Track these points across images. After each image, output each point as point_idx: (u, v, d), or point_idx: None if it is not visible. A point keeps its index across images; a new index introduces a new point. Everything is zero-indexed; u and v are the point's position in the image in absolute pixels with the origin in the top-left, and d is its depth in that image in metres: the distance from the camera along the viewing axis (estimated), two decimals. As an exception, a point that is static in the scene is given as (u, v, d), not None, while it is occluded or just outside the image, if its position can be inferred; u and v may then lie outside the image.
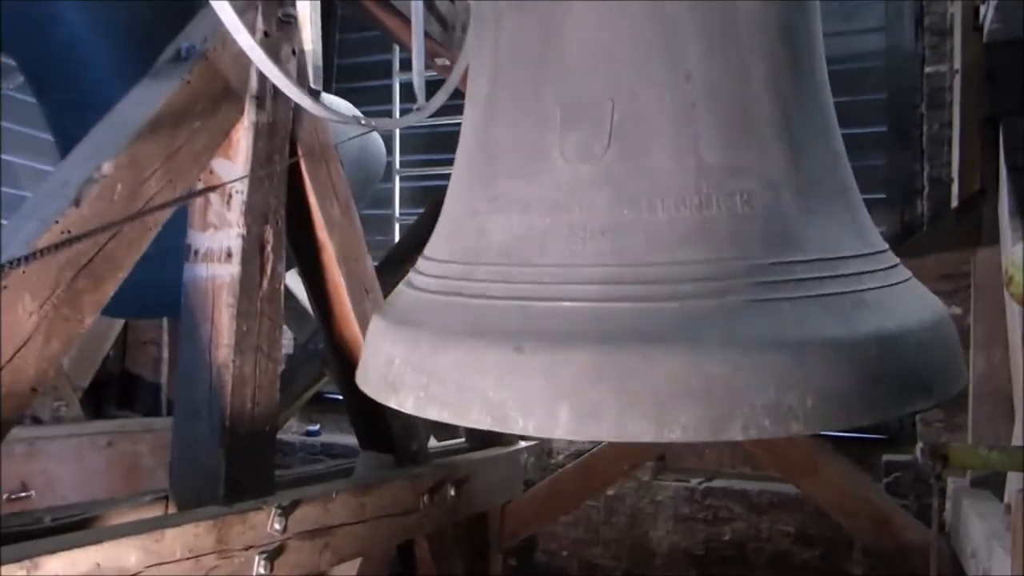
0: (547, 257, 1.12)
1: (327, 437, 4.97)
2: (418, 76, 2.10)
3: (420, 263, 1.31)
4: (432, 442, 2.88)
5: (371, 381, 1.23)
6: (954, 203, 3.14)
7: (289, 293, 2.68)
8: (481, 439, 3.05)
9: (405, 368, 1.14)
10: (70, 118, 2.36)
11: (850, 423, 1.03)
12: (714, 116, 1.13)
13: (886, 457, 3.90)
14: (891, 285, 1.16)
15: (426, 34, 2.61)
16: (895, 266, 1.23)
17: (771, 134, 1.15)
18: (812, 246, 1.11)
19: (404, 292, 1.30)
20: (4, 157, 4.54)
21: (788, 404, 0.97)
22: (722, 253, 1.07)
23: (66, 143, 2.39)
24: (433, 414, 1.10)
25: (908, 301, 1.17)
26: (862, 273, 1.13)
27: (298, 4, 1.77)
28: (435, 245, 1.31)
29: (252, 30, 1.79)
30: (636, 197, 1.10)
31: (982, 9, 2.82)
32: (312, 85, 1.82)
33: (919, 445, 3.67)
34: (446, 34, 2.77)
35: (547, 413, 1.00)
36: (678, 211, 1.09)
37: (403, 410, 1.15)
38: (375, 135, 3.65)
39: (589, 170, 1.13)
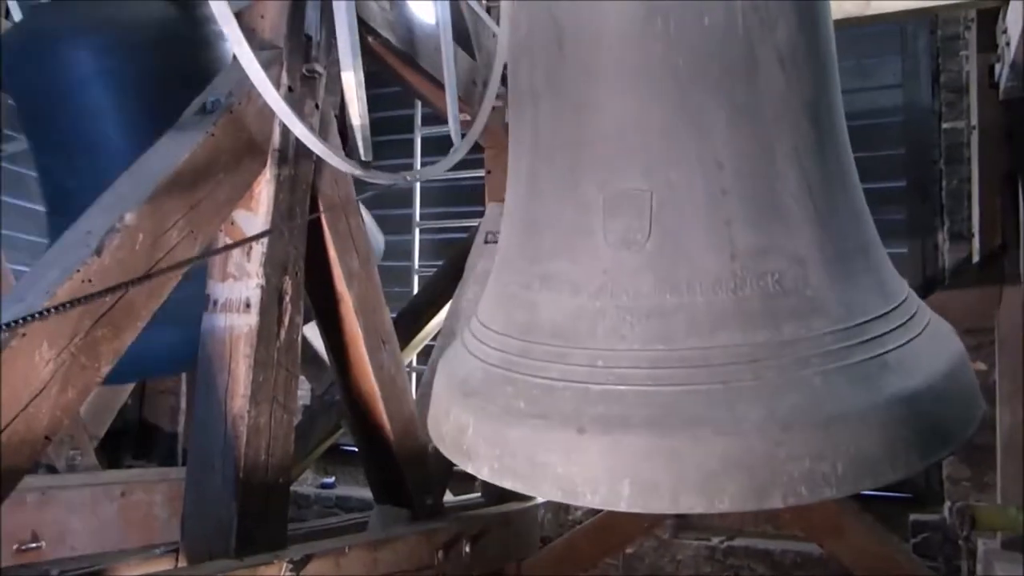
0: (598, 340, 1.22)
1: (342, 490, 4.92)
2: (453, 121, 2.15)
3: (477, 328, 1.42)
4: (448, 496, 2.84)
5: (447, 446, 1.36)
6: (975, 258, 3.11)
7: (307, 343, 2.69)
8: (498, 494, 3.01)
9: (478, 439, 1.27)
10: (59, 162, 2.31)
11: (876, 483, 1.12)
12: (744, 200, 1.21)
13: (913, 517, 3.80)
14: (912, 340, 1.24)
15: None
16: (915, 314, 1.31)
17: (796, 210, 1.23)
18: (839, 314, 1.19)
19: (464, 358, 1.41)
20: (34, 206, 4.63)
21: (822, 472, 1.08)
22: (757, 333, 1.16)
23: (51, 187, 2.36)
24: (508, 484, 1.23)
25: (929, 351, 1.25)
26: (885, 334, 1.20)
27: (343, 77, 1.83)
28: (490, 314, 1.42)
29: (277, 85, 1.83)
30: (677, 282, 1.19)
31: (997, 67, 2.84)
32: (363, 157, 1.87)
33: (947, 504, 3.58)
34: (466, 89, 2.82)
35: (610, 489, 1.13)
36: (716, 295, 1.18)
37: (480, 476, 1.29)
38: (370, 220, 3.66)
39: (632, 256, 1.22)
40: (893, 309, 1.26)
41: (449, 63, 2.20)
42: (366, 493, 2.68)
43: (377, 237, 3.75)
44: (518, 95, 1.44)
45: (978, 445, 2.41)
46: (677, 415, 1.13)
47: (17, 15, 3.06)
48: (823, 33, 1.35)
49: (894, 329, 1.22)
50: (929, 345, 1.26)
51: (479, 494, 3.09)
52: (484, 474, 1.26)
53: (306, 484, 4.90)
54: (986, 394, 1.34)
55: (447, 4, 2.44)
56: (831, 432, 1.09)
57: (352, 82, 1.84)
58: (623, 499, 1.12)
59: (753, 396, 1.12)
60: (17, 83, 2.39)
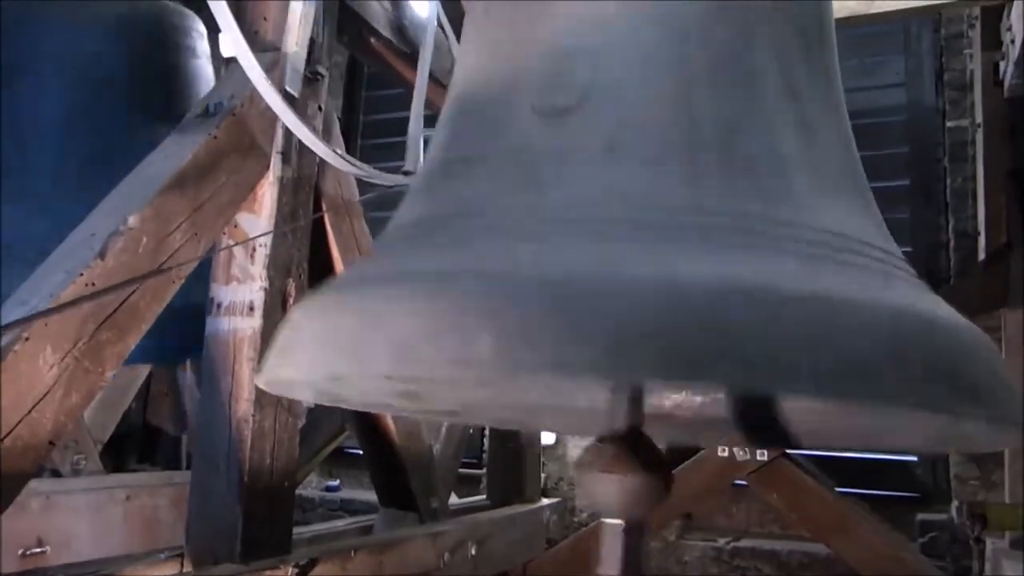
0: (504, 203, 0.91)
1: (347, 493, 4.92)
2: (412, 140, 2.14)
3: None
4: (453, 499, 2.83)
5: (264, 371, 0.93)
6: (981, 256, 3.10)
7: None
8: (502, 497, 3.00)
9: (302, 327, 0.88)
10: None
11: (871, 397, 0.75)
12: (710, 72, 0.95)
13: (920, 516, 3.78)
14: (923, 292, 0.92)
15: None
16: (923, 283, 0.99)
17: (778, 105, 0.96)
18: (826, 220, 0.89)
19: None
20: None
21: (798, 361, 0.70)
22: (715, 205, 0.85)
23: None
24: (329, 368, 0.87)
25: (947, 306, 0.90)
26: (890, 258, 0.92)
27: (291, 6, 1.78)
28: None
29: (279, 88, 1.82)
30: (617, 147, 0.90)
31: (1001, 65, 2.83)
32: (287, 87, 1.82)
33: (954, 503, 3.56)
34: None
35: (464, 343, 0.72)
36: (664, 165, 0.89)
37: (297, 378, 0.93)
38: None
39: (566, 121, 0.94)
40: (898, 255, 0.96)
41: (424, 65, 2.17)
42: (371, 496, 2.68)
43: None
44: (468, 18, 1.19)
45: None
46: (595, 264, 0.75)
47: None
48: None
49: (900, 265, 0.93)
50: (947, 305, 0.90)
51: (484, 496, 3.08)
52: (304, 366, 0.89)
53: (310, 487, 4.89)
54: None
55: (436, 3, 2.44)
56: (816, 312, 0.71)
57: (299, 10, 1.81)
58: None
59: (700, 254, 0.77)
60: None
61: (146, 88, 2.46)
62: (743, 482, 3.14)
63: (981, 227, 3.09)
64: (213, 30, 1.94)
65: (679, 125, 0.92)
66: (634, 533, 1.04)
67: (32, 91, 2.30)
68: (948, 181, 4.05)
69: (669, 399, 1.30)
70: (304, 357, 0.86)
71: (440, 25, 2.37)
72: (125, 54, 2.41)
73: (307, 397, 1.07)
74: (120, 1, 2.48)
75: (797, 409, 1.17)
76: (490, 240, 0.85)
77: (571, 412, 1.32)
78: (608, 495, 1.02)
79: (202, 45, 2.69)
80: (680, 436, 1.52)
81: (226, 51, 1.75)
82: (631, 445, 1.02)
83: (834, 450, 2.86)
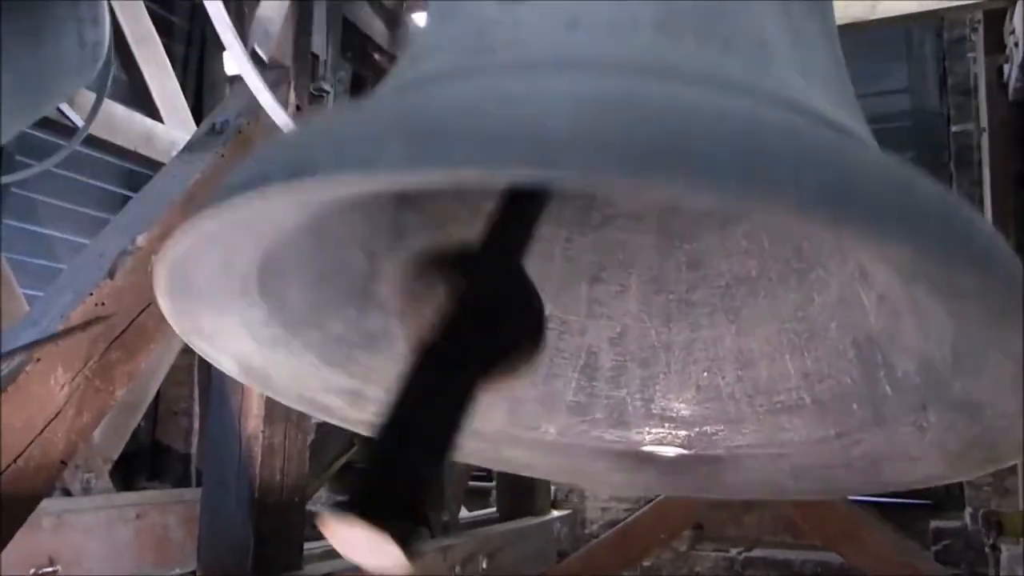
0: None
1: (356, 508, 4.91)
2: None
3: None
4: (463, 512, 2.83)
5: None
6: (990, 261, 3.09)
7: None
8: (513, 510, 2.99)
9: None
10: None
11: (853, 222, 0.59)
12: None
13: (934, 523, 3.76)
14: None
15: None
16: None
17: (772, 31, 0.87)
18: (800, 99, 0.80)
19: None
20: (43, 230, 4.66)
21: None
22: (683, 70, 0.78)
23: None
24: None
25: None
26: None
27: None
28: None
29: (285, 104, 1.83)
30: (579, 21, 0.81)
31: (1005, 68, 2.83)
32: (258, 50, 1.79)
33: (968, 510, 3.54)
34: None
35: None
36: (629, 36, 0.80)
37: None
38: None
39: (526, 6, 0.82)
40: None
41: None
42: (381, 511, 2.67)
43: None
44: None
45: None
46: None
47: None
48: None
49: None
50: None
51: (494, 509, 3.07)
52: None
53: (320, 503, 4.88)
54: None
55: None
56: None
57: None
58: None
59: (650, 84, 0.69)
60: None
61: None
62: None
63: (988, 231, 3.08)
64: (218, 48, 1.95)
65: (651, 6, 0.82)
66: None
67: None
68: (955, 186, 4.04)
69: (649, 434, 1.25)
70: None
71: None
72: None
73: (230, 368, 1.02)
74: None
75: (796, 447, 1.12)
76: (423, 89, 0.78)
77: (538, 445, 1.19)
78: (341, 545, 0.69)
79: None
80: (661, 482, 1.38)
81: (230, 69, 1.76)
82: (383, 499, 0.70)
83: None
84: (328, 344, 1.06)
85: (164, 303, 0.84)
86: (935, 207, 0.63)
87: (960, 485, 3.72)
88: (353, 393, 1.14)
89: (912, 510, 3.75)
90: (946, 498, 3.81)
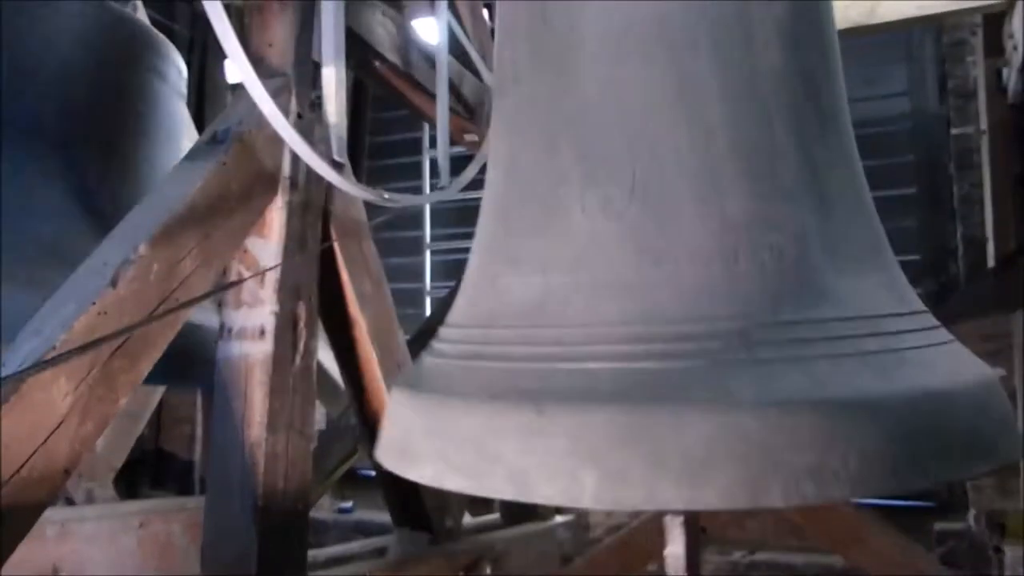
0: (570, 318, 1.06)
1: (360, 514, 4.91)
2: (443, 157, 2.15)
3: (440, 331, 1.26)
4: (467, 518, 2.82)
5: (387, 452, 1.16)
6: (991, 263, 3.09)
7: (322, 368, 2.69)
8: (517, 515, 2.99)
9: (421, 436, 1.08)
10: None
11: (899, 488, 0.93)
12: (739, 170, 1.08)
13: (938, 526, 3.75)
14: (934, 345, 1.09)
15: (454, 111, 2.67)
16: (936, 327, 1.16)
17: (799, 188, 1.09)
18: (848, 303, 1.03)
19: (423, 360, 1.25)
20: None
21: (830, 467, 0.88)
22: (752, 311, 0.99)
23: None
24: (451, 484, 1.03)
25: (953, 362, 1.10)
26: (903, 332, 1.05)
27: (323, 73, 1.79)
28: (455, 312, 1.26)
29: (286, 112, 1.84)
30: (661, 254, 1.04)
31: (1004, 71, 2.84)
32: (336, 157, 1.84)
33: (971, 512, 3.53)
34: (474, 111, 2.83)
35: (571, 480, 0.92)
36: (706, 268, 1.03)
37: (422, 482, 1.08)
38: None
39: (612, 227, 1.07)
40: (911, 314, 1.12)
41: (443, 87, 2.20)
42: (385, 517, 2.67)
43: None
44: (501, 82, 1.33)
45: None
46: (654, 391, 0.93)
47: None
48: (825, 8, 1.25)
49: (912, 331, 1.07)
50: (954, 356, 1.11)
51: (498, 515, 3.07)
52: (427, 477, 1.06)
53: (324, 509, 4.88)
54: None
55: (445, 25, 2.45)
56: (843, 420, 0.90)
57: (332, 79, 1.81)
58: (586, 492, 0.90)
59: (748, 374, 0.93)
60: None
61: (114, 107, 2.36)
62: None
63: (989, 233, 3.09)
64: (220, 56, 1.96)
65: (711, 223, 1.06)
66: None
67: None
68: (955, 188, 4.04)
69: None
70: (426, 470, 1.07)
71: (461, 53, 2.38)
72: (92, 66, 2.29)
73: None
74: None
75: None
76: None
77: None
78: None
79: (175, 77, 2.57)
80: None
81: (232, 77, 1.77)
82: None
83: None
84: None
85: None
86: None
87: (963, 487, 3.71)
88: None
89: (916, 512, 3.75)
90: (949, 500, 3.81)
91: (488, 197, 1.31)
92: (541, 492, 0.93)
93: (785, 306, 1.01)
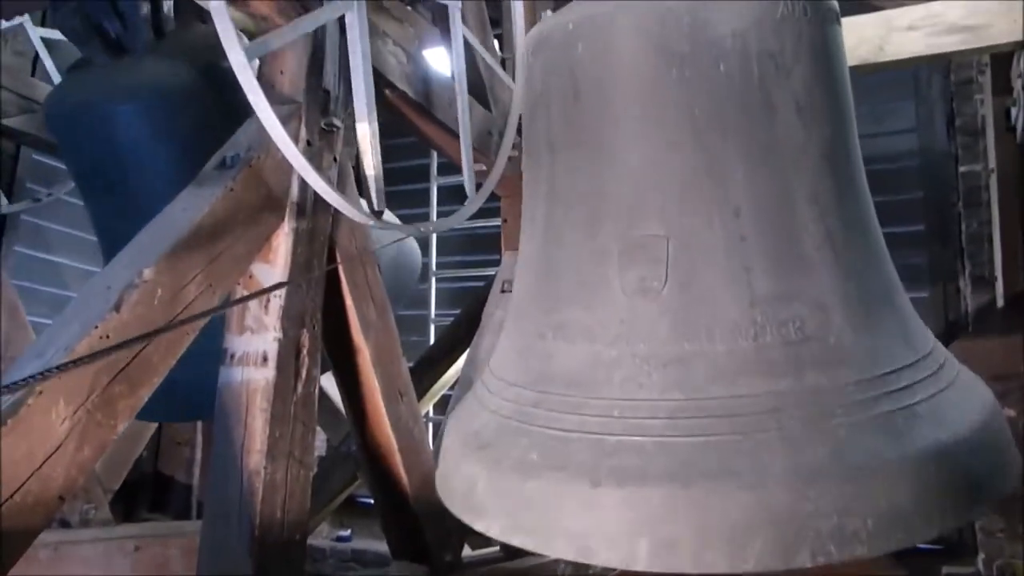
0: (615, 390, 1.17)
1: (358, 543, 4.85)
2: (468, 180, 2.17)
3: (490, 380, 1.38)
4: (466, 551, 2.78)
5: (456, 501, 1.30)
6: (999, 302, 3.07)
7: (322, 393, 2.67)
8: (517, 548, 2.94)
9: (489, 494, 1.22)
10: (118, 223, 2.43)
11: (910, 541, 1.07)
12: (763, 246, 1.18)
13: (946, 569, 3.68)
14: (941, 391, 1.19)
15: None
16: (943, 365, 1.25)
17: (818, 256, 1.19)
18: (864, 363, 1.15)
19: (477, 411, 1.37)
20: (53, 258, 4.68)
21: (851, 528, 1.02)
22: (779, 382, 1.11)
23: (111, 247, 2.46)
24: (519, 542, 1.17)
25: (959, 403, 1.19)
26: (913, 384, 1.16)
27: (358, 128, 1.84)
28: (503, 365, 1.38)
29: (296, 139, 1.84)
30: (696, 330, 1.15)
31: (1013, 111, 2.84)
32: (376, 207, 1.87)
33: (981, 556, 3.47)
34: (482, 140, 2.84)
35: (628, 546, 1.06)
36: (736, 342, 1.14)
37: (490, 535, 1.22)
38: (410, 239, 3.71)
39: (648, 304, 1.18)
40: (920, 359, 1.22)
41: (464, 114, 2.22)
42: (383, 547, 2.63)
43: (414, 260, 3.81)
44: (534, 145, 1.44)
45: (1011, 496, 2.34)
46: (698, 468, 1.07)
47: (55, 77, 3.22)
48: (839, 78, 1.34)
49: (922, 380, 1.18)
50: (959, 397, 1.21)
51: (497, 548, 3.02)
52: (495, 532, 1.20)
53: (321, 537, 4.83)
54: (1017, 442, 1.28)
55: (462, 57, 2.47)
56: (860, 485, 1.04)
57: (367, 133, 1.85)
58: (641, 558, 1.05)
59: (777, 447, 1.07)
60: (69, 146, 2.59)
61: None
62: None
63: (998, 272, 3.07)
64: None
65: (741, 303, 1.16)
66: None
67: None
68: (964, 226, 4.02)
69: None
70: (495, 526, 1.20)
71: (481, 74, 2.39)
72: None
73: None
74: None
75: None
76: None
77: None
78: None
79: None
80: None
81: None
82: None
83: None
84: None
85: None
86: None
87: (973, 531, 3.65)
88: None
89: (925, 556, 3.68)
90: (958, 544, 3.74)
91: (527, 254, 1.43)
92: (601, 557, 1.08)
93: (807, 376, 1.12)
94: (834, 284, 1.19)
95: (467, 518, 1.26)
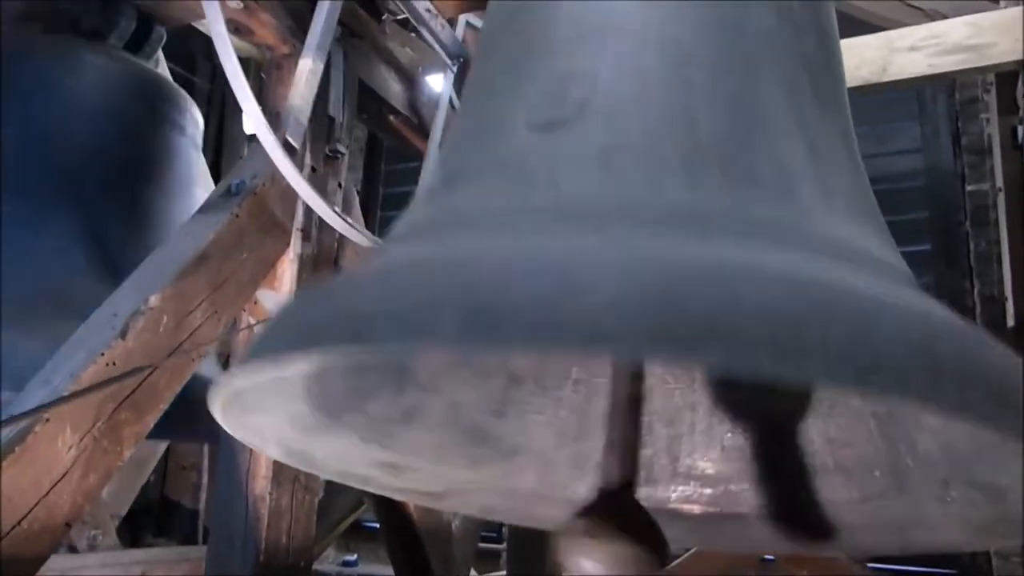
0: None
1: (364, 568, 4.82)
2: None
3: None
4: (473, 575, 2.76)
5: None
6: (1010, 322, 3.05)
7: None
8: (524, 572, 2.92)
9: None
10: None
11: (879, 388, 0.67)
12: (714, 96, 0.91)
13: (958, 593, 3.64)
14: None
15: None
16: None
17: (784, 127, 0.91)
18: (835, 235, 0.86)
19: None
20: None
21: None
22: (716, 212, 0.83)
23: None
24: None
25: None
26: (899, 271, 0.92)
27: (300, 63, 1.78)
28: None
29: (300, 166, 1.86)
30: (611, 157, 0.87)
31: (1019, 130, 2.84)
32: (290, 139, 1.77)
33: (994, 581, 3.42)
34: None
35: None
36: (661, 172, 0.85)
37: None
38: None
39: (557, 138, 0.90)
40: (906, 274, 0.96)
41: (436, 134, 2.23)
42: (389, 572, 2.62)
43: None
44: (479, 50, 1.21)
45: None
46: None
47: None
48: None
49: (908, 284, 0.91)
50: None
51: (504, 572, 3.00)
52: None
53: (327, 562, 4.80)
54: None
55: (450, 80, 2.49)
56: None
57: (306, 69, 1.82)
58: None
59: (696, 244, 0.74)
60: None
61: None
62: (771, 557, 3.04)
63: (1008, 292, 3.05)
64: (238, 109, 2.00)
65: (678, 139, 0.87)
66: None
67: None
68: (972, 246, 4.01)
69: (675, 492, 1.25)
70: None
71: (452, 103, 2.42)
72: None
73: (275, 453, 1.08)
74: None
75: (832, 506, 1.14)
76: (468, 234, 0.82)
77: (569, 503, 1.17)
78: (594, 565, 0.88)
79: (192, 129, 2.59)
80: (689, 537, 1.37)
81: (248, 128, 1.79)
82: (621, 509, 0.92)
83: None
84: (367, 423, 1.14)
85: (217, 413, 0.92)
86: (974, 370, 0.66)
87: (987, 556, 3.61)
88: (391, 465, 1.19)
89: (937, 579, 3.64)
90: (971, 568, 3.69)
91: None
92: None
93: (752, 210, 0.84)
94: (803, 158, 0.91)
95: None
